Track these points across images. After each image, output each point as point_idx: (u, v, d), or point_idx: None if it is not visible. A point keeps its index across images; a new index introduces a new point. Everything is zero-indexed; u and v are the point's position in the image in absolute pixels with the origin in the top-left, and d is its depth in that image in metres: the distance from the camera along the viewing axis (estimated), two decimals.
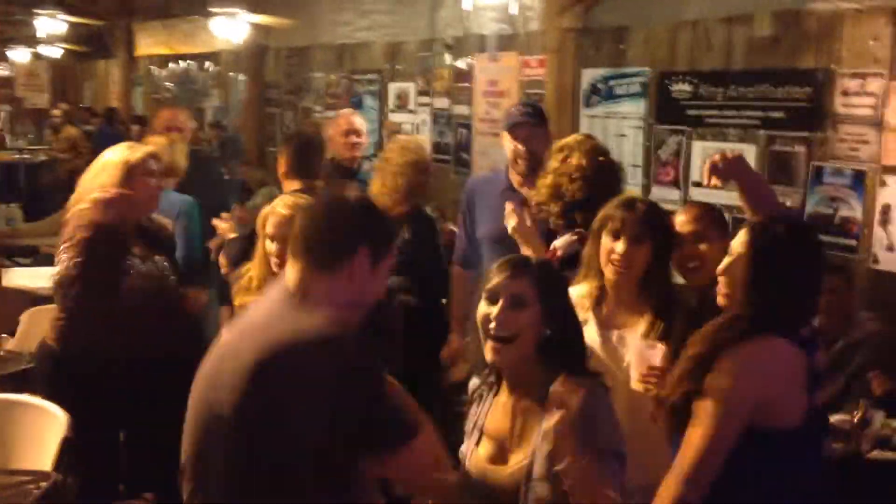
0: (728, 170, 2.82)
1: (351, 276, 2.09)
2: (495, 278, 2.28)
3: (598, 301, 2.89)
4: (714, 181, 2.83)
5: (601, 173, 3.45)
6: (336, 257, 2.09)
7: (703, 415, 2.22)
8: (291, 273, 2.12)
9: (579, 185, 3.36)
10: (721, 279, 2.43)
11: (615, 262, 2.83)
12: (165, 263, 3.74)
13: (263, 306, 2.16)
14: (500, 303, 2.23)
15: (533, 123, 3.85)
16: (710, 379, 2.24)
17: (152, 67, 13.16)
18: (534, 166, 3.71)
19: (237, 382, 1.96)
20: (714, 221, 3.03)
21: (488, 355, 2.26)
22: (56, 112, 12.88)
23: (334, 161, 4.92)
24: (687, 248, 2.98)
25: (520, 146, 3.80)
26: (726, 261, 2.43)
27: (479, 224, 4.02)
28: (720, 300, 2.45)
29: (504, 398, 2.33)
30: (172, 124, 5.76)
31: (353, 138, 5.27)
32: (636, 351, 2.73)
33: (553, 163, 3.50)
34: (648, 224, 2.84)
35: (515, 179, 3.88)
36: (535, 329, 2.23)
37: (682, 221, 3.01)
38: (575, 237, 3.33)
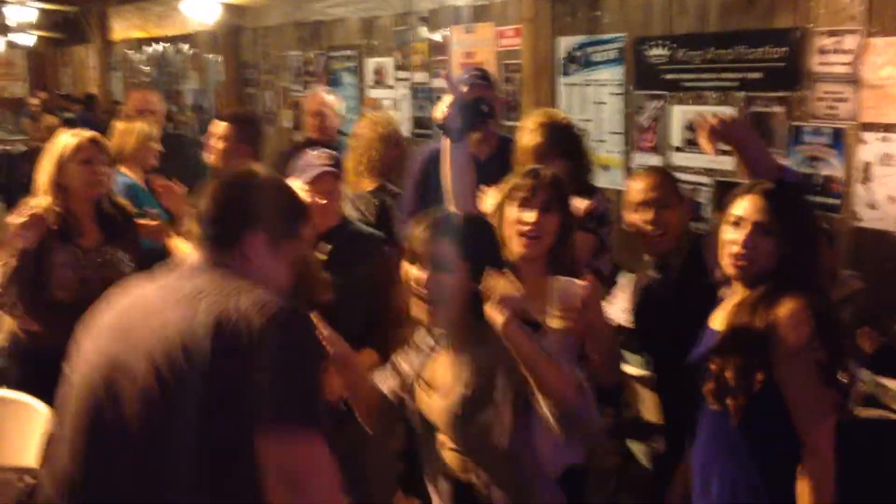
0: (728, 132, 2.77)
1: (244, 257, 2.05)
2: (420, 239, 2.30)
3: None
4: (710, 147, 2.78)
5: (569, 141, 3.50)
6: (228, 237, 2.06)
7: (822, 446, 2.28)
8: (195, 249, 2.12)
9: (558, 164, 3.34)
10: (735, 251, 2.39)
11: (525, 232, 2.75)
12: (121, 253, 3.72)
13: (171, 281, 2.05)
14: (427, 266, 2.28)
15: (486, 86, 3.98)
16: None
17: (129, 52, 13.02)
18: (488, 135, 3.94)
19: (180, 356, 1.82)
20: (674, 186, 3.00)
21: (422, 317, 2.28)
22: (34, 101, 12.75)
23: (309, 140, 4.88)
24: (650, 215, 2.94)
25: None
26: (742, 231, 2.38)
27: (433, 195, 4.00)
28: (734, 271, 2.42)
29: (445, 356, 2.36)
30: (144, 107, 5.73)
31: (324, 115, 5.26)
32: (559, 287, 2.53)
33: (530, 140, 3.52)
34: (557, 193, 2.78)
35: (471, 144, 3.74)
36: (462, 286, 2.27)
37: (641, 189, 2.96)
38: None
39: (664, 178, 3.07)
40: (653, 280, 3.15)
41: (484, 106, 3.08)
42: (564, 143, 3.56)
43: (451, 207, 3.11)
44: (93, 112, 12.23)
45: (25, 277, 3.50)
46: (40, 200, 3.65)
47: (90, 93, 13.61)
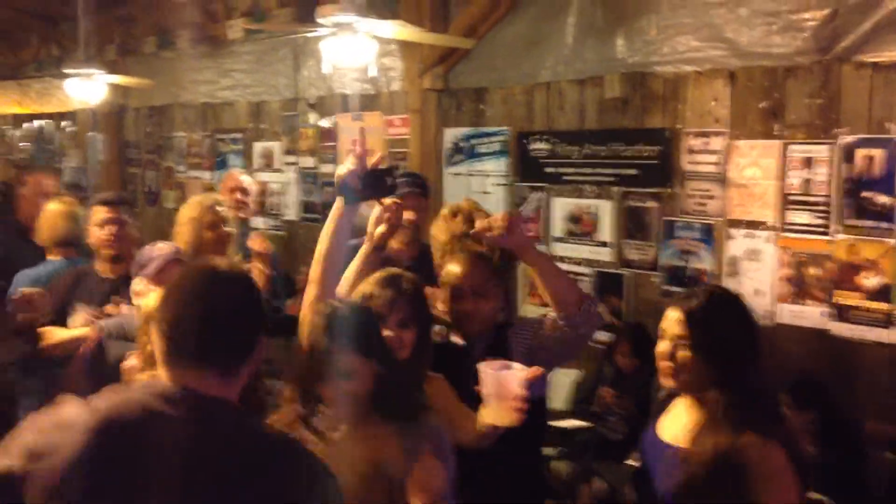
0: (509, 235, 2.73)
1: (250, 370, 1.87)
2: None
3: None
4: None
5: None
6: (241, 358, 1.84)
7: None
8: (176, 374, 1.79)
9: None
10: (664, 364, 2.39)
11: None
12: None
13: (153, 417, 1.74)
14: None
15: (420, 194, 3.86)
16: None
17: (5, 127, 12.63)
18: (415, 236, 3.77)
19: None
20: (491, 275, 2.99)
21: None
22: None
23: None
24: (462, 304, 2.94)
25: (409, 216, 3.70)
26: (665, 345, 2.39)
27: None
28: (667, 382, 2.41)
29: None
30: (42, 189, 5.58)
31: (239, 196, 5.25)
32: (490, 378, 2.45)
33: (452, 227, 3.51)
34: (416, 306, 2.65)
35: (393, 247, 3.67)
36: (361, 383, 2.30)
37: (458, 274, 2.97)
38: None
39: (479, 268, 2.95)
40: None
41: (390, 178, 2.93)
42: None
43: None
44: None
45: None
46: None
47: None
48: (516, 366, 2.49)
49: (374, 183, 2.68)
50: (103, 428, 1.71)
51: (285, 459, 1.79)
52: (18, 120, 12.20)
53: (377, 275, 2.71)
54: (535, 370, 2.48)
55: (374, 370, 2.30)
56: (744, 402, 2.30)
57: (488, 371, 2.44)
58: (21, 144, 12.17)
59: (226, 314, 1.81)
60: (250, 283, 1.93)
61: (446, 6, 6.02)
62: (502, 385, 2.42)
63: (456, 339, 2.97)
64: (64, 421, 1.73)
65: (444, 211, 3.69)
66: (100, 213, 4.24)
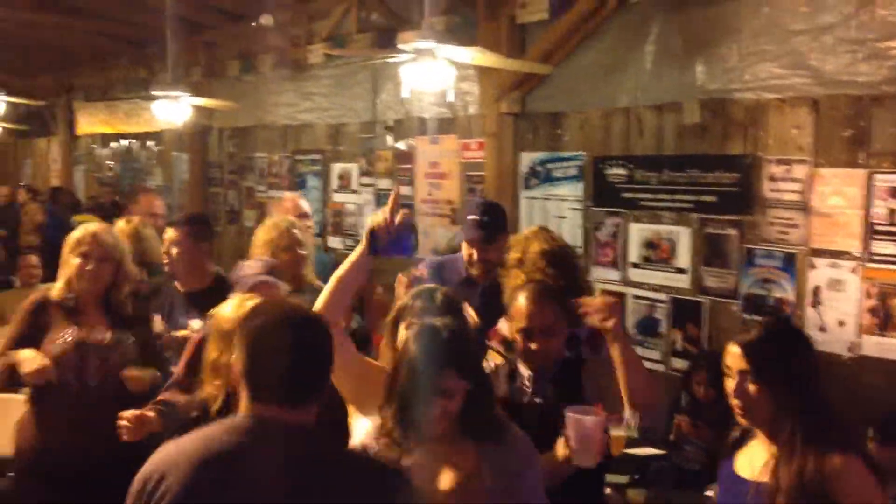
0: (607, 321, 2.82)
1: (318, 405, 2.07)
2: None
3: None
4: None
5: (564, 257, 3.53)
6: (318, 395, 2.05)
7: None
8: (257, 409, 2.01)
9: (551, 273, 3.34)
10: (735, 402, 2.41)
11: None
12: (130, 339, 3.72)
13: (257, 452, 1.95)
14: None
15: (485, 238, 3.87)
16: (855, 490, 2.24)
17: (94, 146, 13.11)
18: (489, 269, 3.80)
19: None
20: (558, 313, 2.98)
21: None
22: (1, 192, 12.72)
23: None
24: (530, 342, 2.94)
25: (474, 256, 3.88)
26: (731, 382, 2.41)
27: None
28: (741, 420, 2.44)
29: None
30: (150, 210, 5.83)
31: (300, 220, 5.33)
32: (574, 423, 2.61)
33: (513, 256, 3.49)
34: (450, 314, 2.74)
35: (473, 273, 3.92)
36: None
37: (525, 314, 2.95)
38: None
39: (537, 312, 2.94)
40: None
41: (414, 237, 3.02)
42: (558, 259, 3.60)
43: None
44: (57, 205, 12.21)
45: None
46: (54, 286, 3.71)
47: (56, 186, 13.62)
48: (600, 412, 2.64)
49: (398, 242, 2.81)
50: (201, 464, 1.92)
51: (365, 473, 2.05)
52: (106, 139, 12.65)
53: (414, 290, 2.92)
54: (611, 416, 2.65)
55: (466, 388, 2.38)
56: (818, 425, 2.32)
57: (573, 416, 2.61)
58: (108, 163, 12.60)
59: (306, 359, 2.02)
60: (324, 325, 2.12)
61: (524, 32, 6.07)
62: (587, 430, 2.59)
63: (523, 369, 3.02)
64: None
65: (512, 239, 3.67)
66: (168, 233, 4.52)
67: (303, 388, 2.01)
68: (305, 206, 5.52)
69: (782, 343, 2.41)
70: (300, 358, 2.00)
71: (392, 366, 2.47)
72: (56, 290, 3.66)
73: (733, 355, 2.42)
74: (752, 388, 2.38)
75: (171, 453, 1.97)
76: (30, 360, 3.41)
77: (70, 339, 3.56)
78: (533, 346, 2.93)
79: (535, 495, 2.46)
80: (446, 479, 2.37)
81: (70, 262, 3.65)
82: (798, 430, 2.32)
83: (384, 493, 2.03)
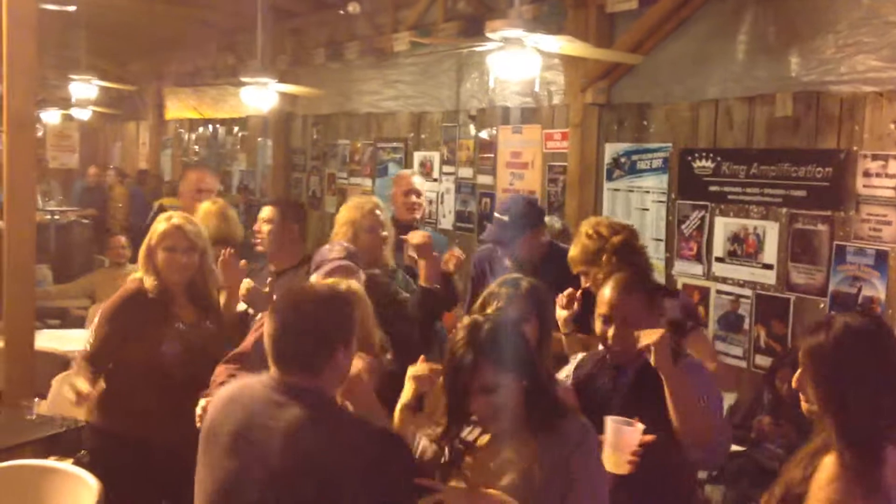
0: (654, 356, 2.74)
1: (332, 372, 2.36)
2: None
3: None
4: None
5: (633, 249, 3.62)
6: (317, 363, 2.34)
7: None
8: (275, 370, 2.37)
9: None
10: (801, 394, 2.30)
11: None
12: (212, 326, 3.86)
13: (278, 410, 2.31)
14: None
15: (510, 239, 4.14)
16: (824, 493, 2.09)
17: (181, 130, 13.43)
18: (521, 264, 4.06)
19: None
20: (642, 304, 2.97)
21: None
22: (91, 172, 13.13)
23: (394, 219, 4.96)
24: (608, 329, 2.95)
25: (504, 256, 4.20)
26: (798, 372, 2.28)
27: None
28: (807, 413, 2.30)
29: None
30: (201, 186, 5.86)
31: (413, 198, 5.37)
32: (612, 430, 2.64)
33: (599, 243, 3.67)
34: (533, 302, 2.90)
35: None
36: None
37: (606, 301, 2.97)
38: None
39: (620, 300, 2.94)
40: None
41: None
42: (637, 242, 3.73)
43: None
44: (144, 186, 12.58)
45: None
46: (140, 276, 3.84)
47: (143, 168, 14.01)
48: (639, 425, 2.65)
49: None
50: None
51: (360, 434, 2.30)
52: (194, 124, 12.94)
53: (500, 278, 3.07)
54: (651, 438, 2.64)
55: (522, 384, 2.41)
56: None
57: (611, 423, 2.66)
58: (195, 147, 12.90)
59: (305, 331, 2.32)
60: (331, 301, 2.44)
61: (612, 21, 6.03)
62: (622, 438, 2.63)
63: (606, 365, 3.05)
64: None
65: (585, 229, 3.79)
66: (262, 212, 4.65)
67: (303, 357, 2.32)
68: (418, 182, 5.52)
69: (852, 352, 2.19)
70: (287, 327, 2.33)
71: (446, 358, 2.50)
72: (148, 283, 3.76)
73: (802, 352, 2.28)
74: (810, 391, 2.23)
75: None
76: None
77: (177, 333, 3.72)
78: (610, 332, 2.94)
79: (584, 473, 2.40)
80: (504, 477, 2.38)
81: (158, 255, 3.78)
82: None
83: (382, 453, 2.28)
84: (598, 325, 2.99)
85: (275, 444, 2.23)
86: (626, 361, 2.96)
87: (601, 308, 2.98)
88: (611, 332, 2.93)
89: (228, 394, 2.46)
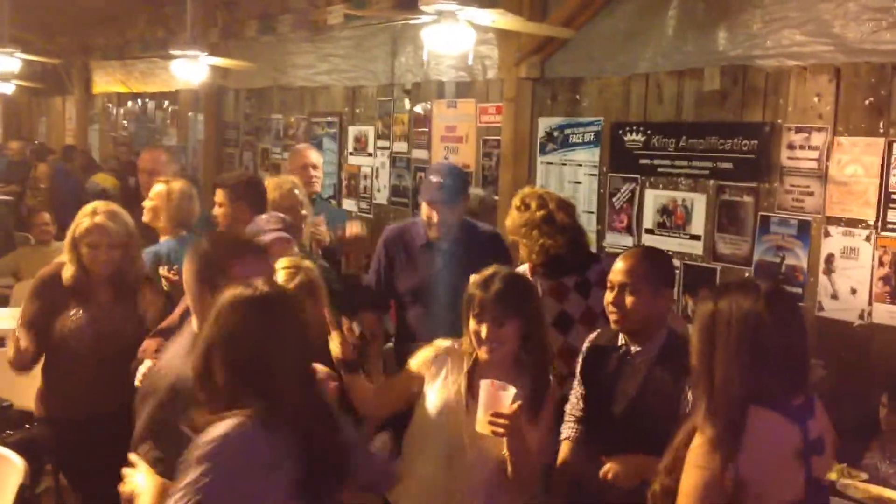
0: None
1: None
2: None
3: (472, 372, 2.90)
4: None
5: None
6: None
7: (684, 495, 2.16)
8: None
9: (560, 240, 3.75)
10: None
11: (482, 343, 2.83)
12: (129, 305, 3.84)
13: None
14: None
15: (446, 200, 4.11)
16: (690, 456, 2.17)
17: (109, 105, 13.13)
18: (446, 231, 4.14)
19: None
20: (646, 275, 3.02)
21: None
22: (12, 146, 12.76)
23: None
24: (613, 297, 3.00)
25: (434, 217, 4.12)
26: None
27: (400, 276, 4.26)
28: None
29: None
30: (154, 166, 5.65)
31: (311, 171, 5.44)
32: (486, 391, 2.67)
33: (526, 216, 3.82)
34: (509, 302, 2.81)
35: (431, 236, 4.19)
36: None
37: (615, 269, 3.03)
38: None
39: (637, 265, 3.00)
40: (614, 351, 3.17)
41: None
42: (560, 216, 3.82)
43: None
44: (70, 163, 12.25)
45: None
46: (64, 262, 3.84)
47: (69, 144, 13.66)
48: (511, 389, 2.66)
49: None
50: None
51: None
52: (122, 99, 12.66)
53: (477, 275, 2.95)
54: (519, 404, 2.66)
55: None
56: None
57: (484, 383, 2.70)
58: (123, 122, 12.63)
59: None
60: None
61: None
62: (492, 399, 2.67)
63: (623, 342, 3.08)
64: None
65: (515, 201, 3.99)
66: (217, 195, 4.60)
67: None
68: (314, 156, 5.58)
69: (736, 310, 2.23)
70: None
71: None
72: (68, 272, 3.77)
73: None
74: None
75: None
76: None
77: (80, 318, 3.74)
78: (614, 300, 2.99)
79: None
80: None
81: (82, 249, 3.75)
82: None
83: None
84: (608, 295, 3.04)
85: None
86: (640, 339, 3.02)
87: (612, 276, 3.03)
88: (616, 300, 2.98)
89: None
